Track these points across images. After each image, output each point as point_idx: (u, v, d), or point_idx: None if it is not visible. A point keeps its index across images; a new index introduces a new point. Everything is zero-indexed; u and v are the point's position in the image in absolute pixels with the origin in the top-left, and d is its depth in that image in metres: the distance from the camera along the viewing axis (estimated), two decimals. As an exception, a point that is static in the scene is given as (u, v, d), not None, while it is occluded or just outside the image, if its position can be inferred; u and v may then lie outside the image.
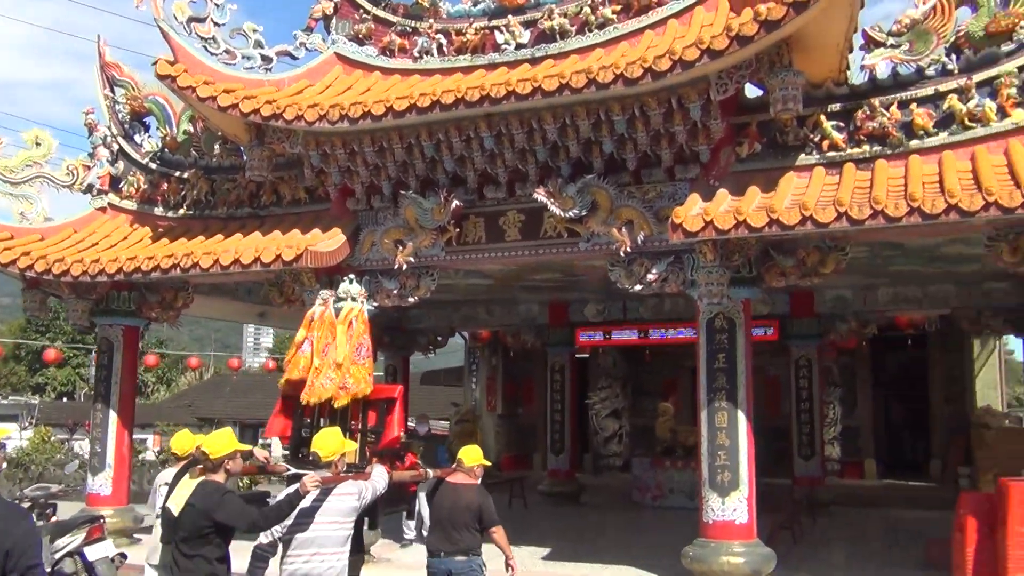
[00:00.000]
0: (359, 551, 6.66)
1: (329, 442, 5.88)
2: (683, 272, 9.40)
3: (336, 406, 8.92)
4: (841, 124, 9.13)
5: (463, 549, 6.43)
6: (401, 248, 10.52)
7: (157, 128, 12.51)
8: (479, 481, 6.72)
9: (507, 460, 21.05)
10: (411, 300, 10.81)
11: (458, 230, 10.34)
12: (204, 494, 5.25)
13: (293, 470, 6.58)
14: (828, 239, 8.88)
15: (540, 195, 9.53)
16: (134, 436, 29.44)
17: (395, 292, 10.84)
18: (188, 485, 5.39)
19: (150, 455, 24.43)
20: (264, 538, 5.59)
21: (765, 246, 9.14)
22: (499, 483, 16.95)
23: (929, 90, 8.92)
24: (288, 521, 5.44)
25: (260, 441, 31.17)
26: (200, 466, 5.46)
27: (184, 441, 7.05)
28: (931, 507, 15.63)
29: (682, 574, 9.17)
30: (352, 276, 10.88)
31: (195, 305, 13.75)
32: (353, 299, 10.89)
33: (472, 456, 6.72)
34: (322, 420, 8.11)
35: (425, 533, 5.68)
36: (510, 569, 6.60)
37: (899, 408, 20.85)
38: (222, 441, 5.49)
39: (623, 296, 16.57)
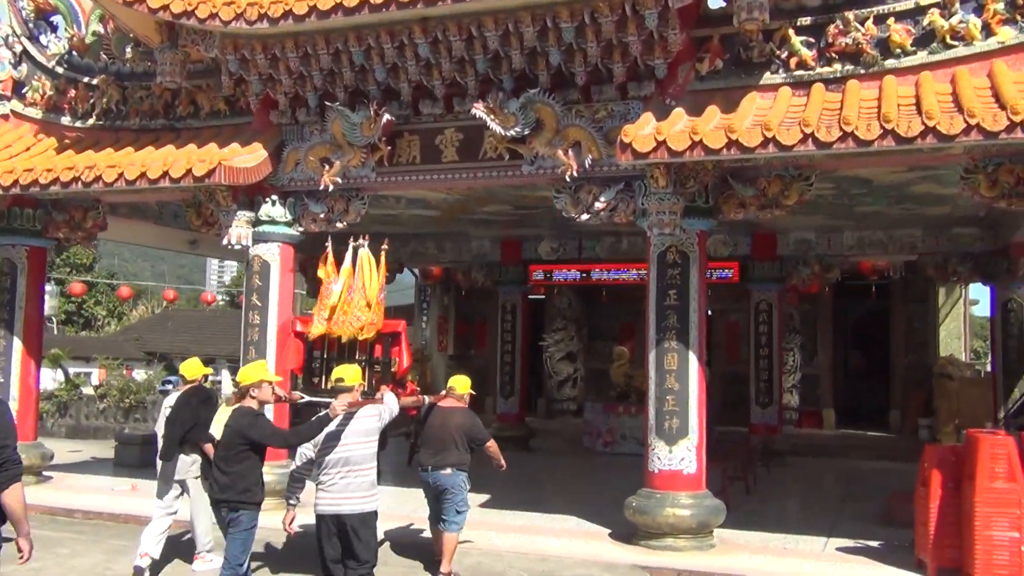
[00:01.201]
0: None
1: (351, 371, 6.36)
2: (633, 200, 8.55)
3: (361, 339, 8.31)
4: (811, 40, 8.21)
5: (449, 463, 7.25)
6: (327, 167, 9.56)
7: (64, 28, 11.29)
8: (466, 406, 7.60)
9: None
10: (339, 226, 9.88)
11: (390, 149, 9.39)
12: (238, 416, 6.01)
13: (307, 398, 7.28)
14: (792, 166, 8.08)
15: (479, 110, 8.59)
16: (77, 370, 28.49)
17: (322, 216, 9.91)
18: (226, 412, 6.27)
19: (89, 390, 23.35)
20: (299, 460, 6.08)
21: (723, 173, 8.32)
22: (405, 433, 16.23)
23: (909, 4, 8.03)
24: (319, 443, 5.93)
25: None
26: (236, 394, 6.25)
27: (193, 368, 7.64)
28: (890, 458, 15.27)
29: (627, 525, 8.50)
30: (275, 197, 9.93)
31: (115, 228, 12.75)
32: (275, 222, 9.96)
33: (462, 384, 7.68)
34: (330, 353, 8.18)
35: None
36: (502, 467, 7.59)
37: (859, 357, 20.36)
38: (251, 371, 6.29)
39: (579, 234, 15.80)
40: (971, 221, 13.53)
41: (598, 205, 8.70)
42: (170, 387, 14.59)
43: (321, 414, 5.96)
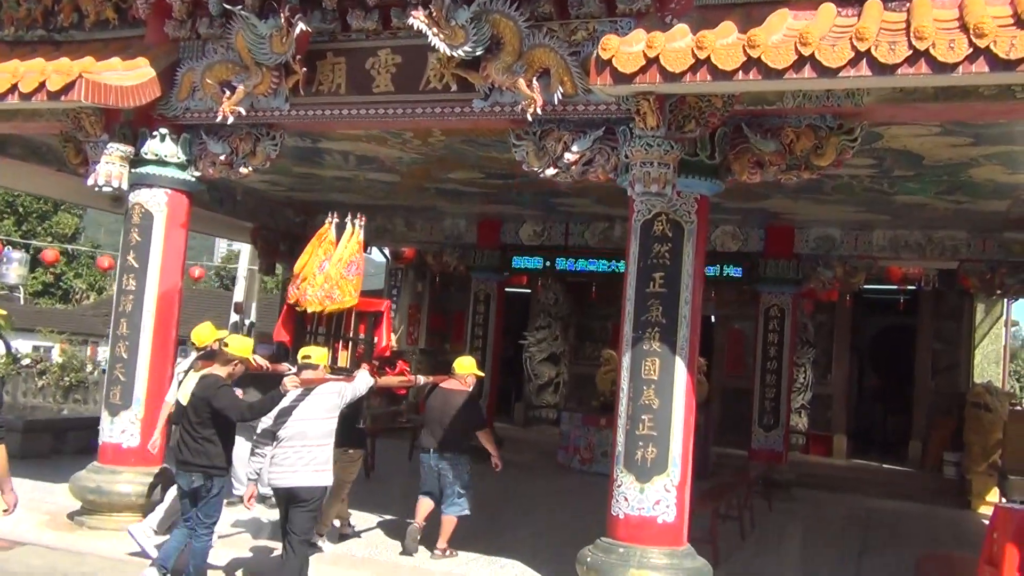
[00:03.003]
0: (360, 445, 7.97)
1: (317, 351, 6.42)
2: (616, 152, 6.38)
3: (324, 313, 7.40)
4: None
5: (449, 447, 7.49)
6: (229, 94, 7.43)
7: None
8: (471, 389, 7.79)
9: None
10: (243, 171, 7.77)
11: (308, 73, 7.25)
12: (204, 385, 6.14)
13: (294, 371, 6.80)
14: (831, 113, 5.93)
15: (418, 19, 6.43)
16: (39, 344, 26.40)
17: (223, 158, 7.79)
18: (193, 378, 6.35)
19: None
20: (258, 430, 6.18)
21: (736, 119, 6.17)
22: (406, 428, 14.20)
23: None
24: (274, 415, 6.02)
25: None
26: (204, 359, 6.57)
27: (203, 333, 7.03)
28: (910, 497, 13.11)
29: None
30: (164, 131, 7.82)
31: (9, 174, 10.73)
32: (163, 162, 7.84)
33: (464, 366, 7.80)
34: (320, 328, 7.49)
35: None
36: (496, 467, 7.88)
37: (878, 378, 18.14)
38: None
39: (566, 216, 13.66)
40: (1028, 225, 11.37)
41: (569, 156, 6.53)
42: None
43: (273, 392, 6.08)
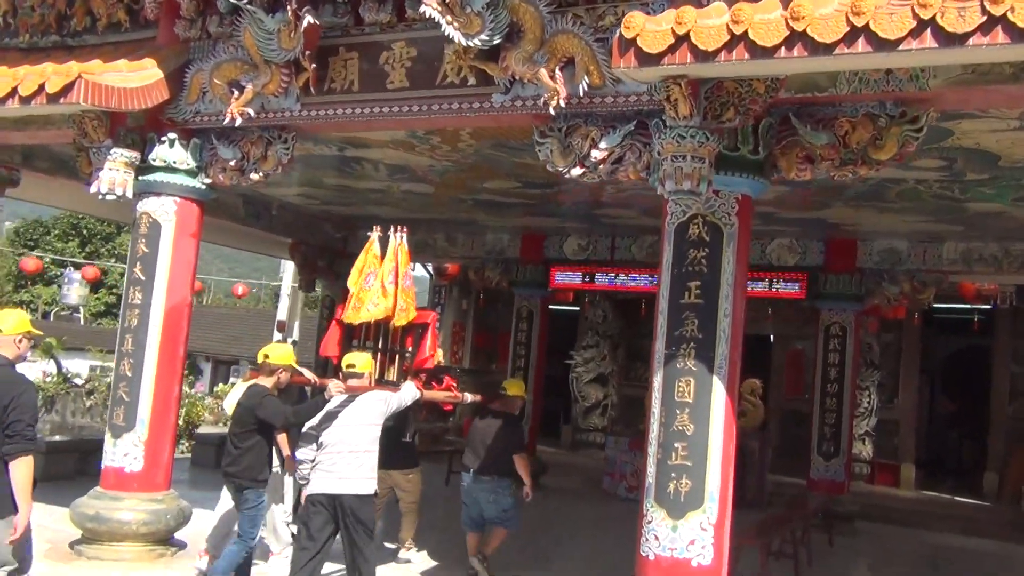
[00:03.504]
0: (413, 464, 8.06)
1: (363, 358, 6.34)
2: (648, 149, 5.75)
3: (372, 326, 7.32)
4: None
5: (490, 469, 7.37)
6: (237, 94, 6.99)
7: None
8: (517, 412, 7.94)
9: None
10: (254, 177, 7.31)
11: (319, 70, 6.77)
12: (251, 394, 6.39)
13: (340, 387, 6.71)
14: (892, 100, 5.21)
15: (430, 8, 5.89)
16: (97, 364, 26.46)
17: (232, 164, 7.35)
18: (241, 388, 6.74)
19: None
20: (303, 441, 5.98)
21: (782, 109, 5.49)
22: (447, 452, 13.65)
23: None
24: (318, 418, 5.93)
25: (231, 379, 28.13)
26: (253, 370, 7.01)
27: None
28: (985, 534, 12.03)
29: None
30: (173, 136, 7.41)
31: (38, 189, 10.52)
32: (173, 169, 7.42)
33: (513, 387, 7.94)
34: (367, 343, 7.29)
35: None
36: (527, 496, 7.60)
37: (950, 403, 16.98)
38: (282, 352, 6.81)
39: (612, 230, 13.00)
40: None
41: (596, 154, 5.91)
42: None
43: (318, 396, 6.14)
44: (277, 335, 17.99)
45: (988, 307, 14.49)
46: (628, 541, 5.74)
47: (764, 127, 5.54)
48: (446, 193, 11.24)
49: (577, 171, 6.04)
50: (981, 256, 11.28)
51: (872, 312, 13.13)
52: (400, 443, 7.68)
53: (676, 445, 5.44)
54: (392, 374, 7.14)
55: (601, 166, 5.94)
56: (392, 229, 7.09)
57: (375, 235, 7.15)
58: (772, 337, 16.28)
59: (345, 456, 5.80)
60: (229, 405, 6.74)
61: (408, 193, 11.45)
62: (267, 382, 6.46)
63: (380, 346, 7.19)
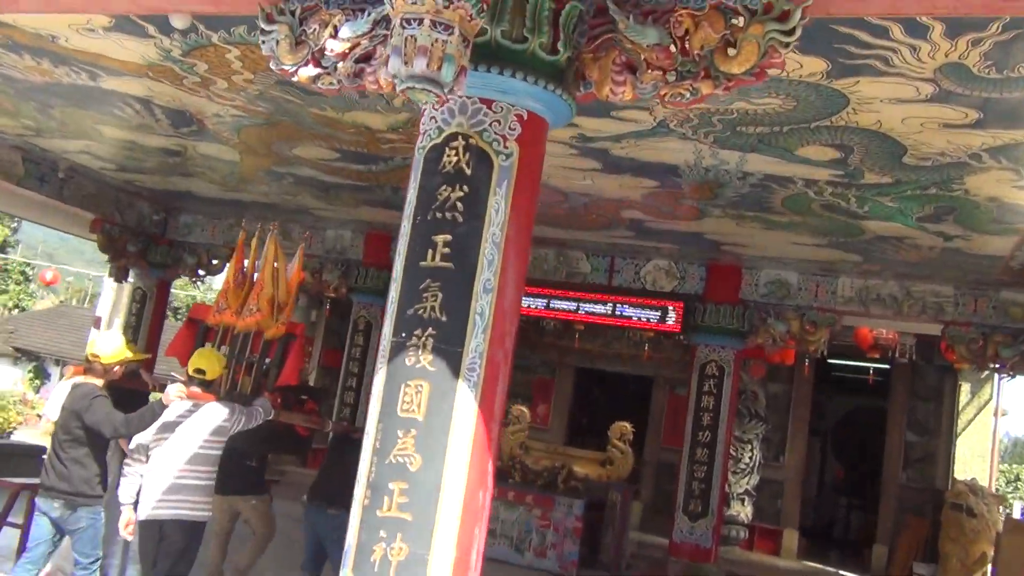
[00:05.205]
0: (259, 491, 6.97)
1: (213, 362, 5.80)
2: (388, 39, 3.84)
3: (230, 331, 6.69)
4: None
5: (333, 499, 6.44)
6: None
7: None
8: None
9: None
10: None
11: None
12: (77, 396, 5.63)
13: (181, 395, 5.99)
14: None
15: None
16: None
17: None
18: (65, 387, 5.82)
19: None
20: (133, 444, 5.46)
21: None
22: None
23: None
24: (153, 430, 5.34)
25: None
26: (78, 365, 6.26)
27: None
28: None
29: None
30: None
31: None
32: None
33: None
34: (222, 348, 6.47)
35: None
36: None
37: (840, 466, 15.48)
38: (112, 347, 5.98)
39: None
40: (1034, 281, 8.94)
41: (334, 46, 3.97)
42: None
43: (154, 403, 5.44)
44: (95, 332, 15.53)
45: (886, 365, 13.08)
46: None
47: (569, 15, 3.67)
48: (255, 162, 9.21)
49: (309, 71, 4.08)
50: (879, 296, 9.80)
51: (756, 354, 11.51)
52: (244, 466, 6.73)
53: (391, 487, 3.44)
54: (247, 386, 6.34)
55: (340, 64, 4.00)
56: (259, 225, 6.71)
57: (243, 229, 6.83)
58: (653, 378, 14.56)
59: (181, 476, 5.26)
60: (51, 409, 5.88)
61: (211, 160, 9.37)
62: (95, 380, 5.81)
63: (236, 354, 6.42)
